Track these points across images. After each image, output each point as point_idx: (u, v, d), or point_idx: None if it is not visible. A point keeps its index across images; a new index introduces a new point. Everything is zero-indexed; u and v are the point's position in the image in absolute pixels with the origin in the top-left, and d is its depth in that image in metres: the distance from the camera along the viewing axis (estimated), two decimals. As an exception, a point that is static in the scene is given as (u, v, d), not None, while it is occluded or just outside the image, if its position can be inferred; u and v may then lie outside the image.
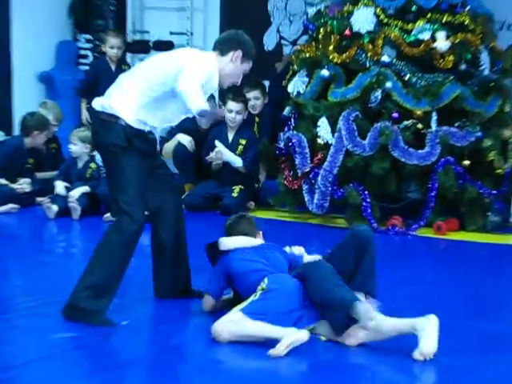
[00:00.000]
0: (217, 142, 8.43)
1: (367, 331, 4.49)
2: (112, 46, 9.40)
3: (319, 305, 4.62)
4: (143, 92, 4.83)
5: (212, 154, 8.41)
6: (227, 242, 5.06)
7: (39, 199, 8.20)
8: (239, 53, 4.97)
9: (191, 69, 4.76)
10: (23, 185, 8.17)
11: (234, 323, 4.53)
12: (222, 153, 8.40)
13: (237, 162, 8.46)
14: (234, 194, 8.29)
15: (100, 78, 9.25)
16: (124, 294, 5.00)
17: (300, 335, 4.43)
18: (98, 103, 4.91)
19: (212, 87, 4.94)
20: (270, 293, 4.65)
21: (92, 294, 4.75)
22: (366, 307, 4.45)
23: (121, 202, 4.79)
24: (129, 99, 4.82)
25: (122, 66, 9.49)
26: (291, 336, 4.40)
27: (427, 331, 4.35)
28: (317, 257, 5.18)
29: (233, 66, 4.98)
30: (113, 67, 9.44)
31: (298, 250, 5.22)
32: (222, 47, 5.00)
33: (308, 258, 5.16)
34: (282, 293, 4.67)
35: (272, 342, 4.41)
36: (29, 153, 8.52)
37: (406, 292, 5.50)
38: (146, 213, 5.02)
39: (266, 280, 4.73)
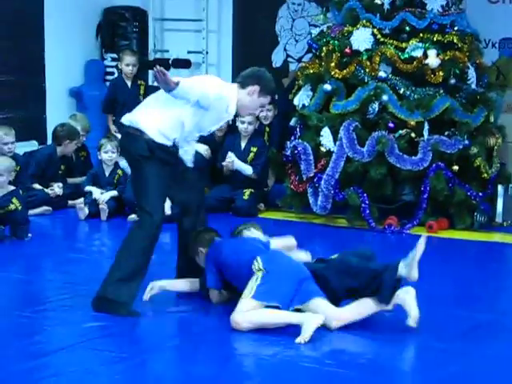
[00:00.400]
0: (229, 153, 8.42)
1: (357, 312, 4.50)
2: (128, 63, 9.37)
3: (364, 285, 4.58)
4: (166, 111, 4.91)
5: (226, 161, 8.41)
6: None
7: (71, 202, 8.19)
8: (256, 88, 5.02)
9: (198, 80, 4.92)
10: (56, 189, 8.15)
11: (252, 313, 4.50)
12: (233, 162, 8.40)
13: (247, 170, 8.44)
14: (245, 197, 8.27)
15: (118, 94, 9.31)
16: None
17: (318, 319, 4.39)
18: (126, 119, 5.03)
19: (225, 110, 5.01)
20: (270, 274, 4.59)
21: (119, 287, 4.78)
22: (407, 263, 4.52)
23: (143, 202, 4.90)
24: (153, 117, 4.91)
25: (138, 81, 9.51)
26: (313, 322, 4.36)
27: (409, 302, 4.48)
28: (288, 238, 5.19)
29: (250, 98, 5.05)
30: (129, 83, 9.44)
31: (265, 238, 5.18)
32: (242, 81, 5.08)
33: (276, 242, 5.12)
34: (281, 272, 4.62)
35: (286, 329, 4.43)
36: (60, 160, 8.52)
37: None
38: (169, 212, 4.91)
39: (258, 260, 4.66)
